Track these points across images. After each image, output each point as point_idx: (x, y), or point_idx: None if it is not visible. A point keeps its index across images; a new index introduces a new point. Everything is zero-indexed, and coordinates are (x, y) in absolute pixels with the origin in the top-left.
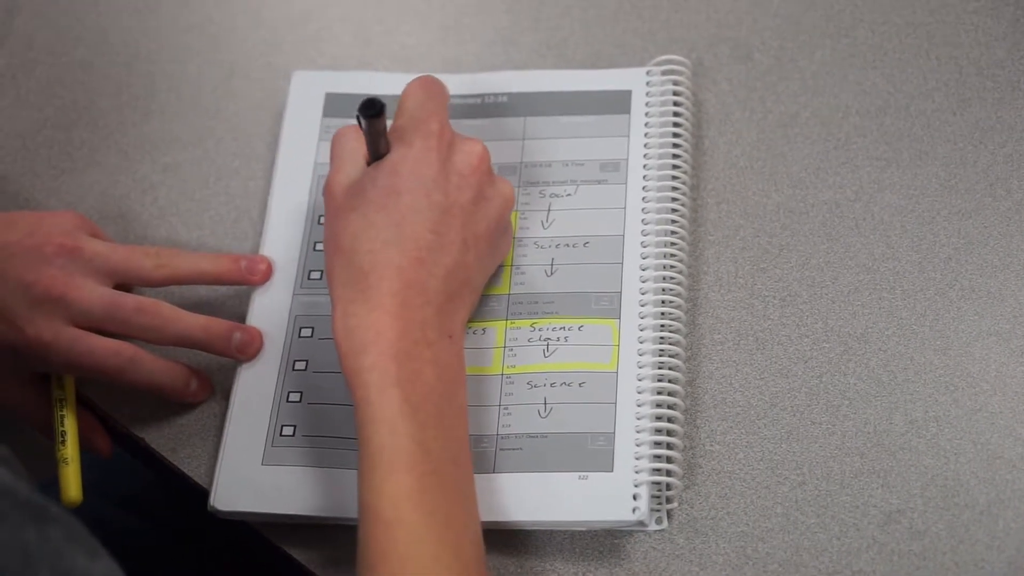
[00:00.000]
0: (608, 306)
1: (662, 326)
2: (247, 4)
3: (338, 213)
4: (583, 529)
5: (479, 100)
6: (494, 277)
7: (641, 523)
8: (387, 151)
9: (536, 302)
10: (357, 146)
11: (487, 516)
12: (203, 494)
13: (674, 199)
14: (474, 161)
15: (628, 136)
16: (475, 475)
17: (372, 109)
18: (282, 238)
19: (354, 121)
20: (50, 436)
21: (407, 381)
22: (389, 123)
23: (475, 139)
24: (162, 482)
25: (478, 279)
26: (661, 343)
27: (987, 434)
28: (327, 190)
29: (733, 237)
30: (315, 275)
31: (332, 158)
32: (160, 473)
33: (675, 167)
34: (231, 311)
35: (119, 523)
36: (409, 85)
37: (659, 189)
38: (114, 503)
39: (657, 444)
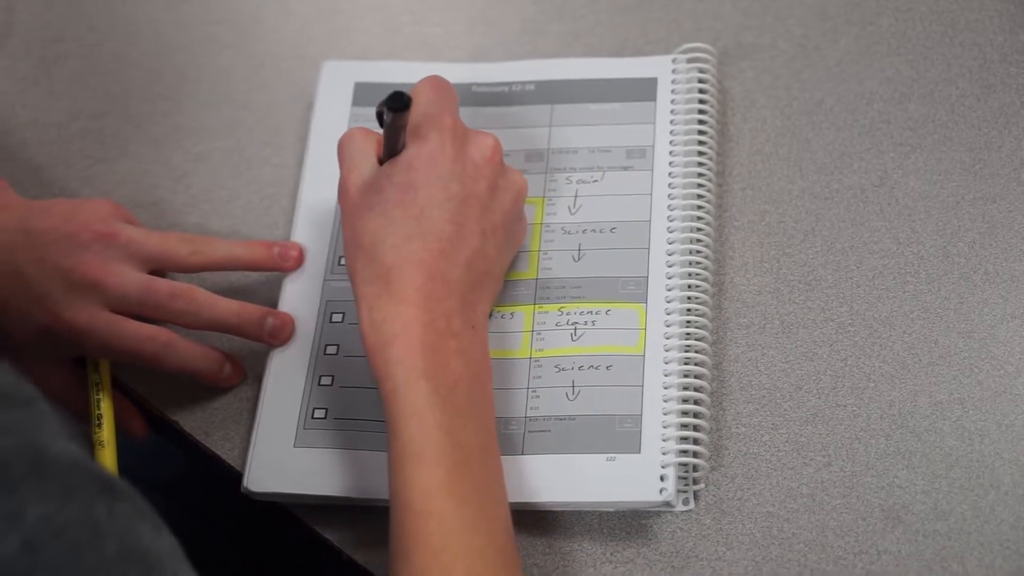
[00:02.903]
0: (635, 290)
1: (688, 310)
2: None
3: (356, 212)
4: (611, 510)
5: (506, 88)
6: (520, 262)
7: (668, 504)
8: (403, 148)
9: (564, 287)
10: (366, 146)
11: (516, 497)
12: (236, 477)
13: (700, 185)
14: (487, 152)
15: (654, 123)
16: (504, 457)
17: (399, 102)
18: (313, 225)
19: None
20: (86, 419)
21: (435, 373)
22: None
23: (487, 132)
24: (195, 467)
25: (497, 269)
26: (687, 326)
27: (1011, 415)
28: (342, 191)
29: (758, 222)
30: (345, 261)
31: (342, 160)
32: (194, 457)
33: (700, 153)
34: (262, 297)
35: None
36: (418, 85)
37: (685, 175)
38: (147, 488)
39: (684, 426)
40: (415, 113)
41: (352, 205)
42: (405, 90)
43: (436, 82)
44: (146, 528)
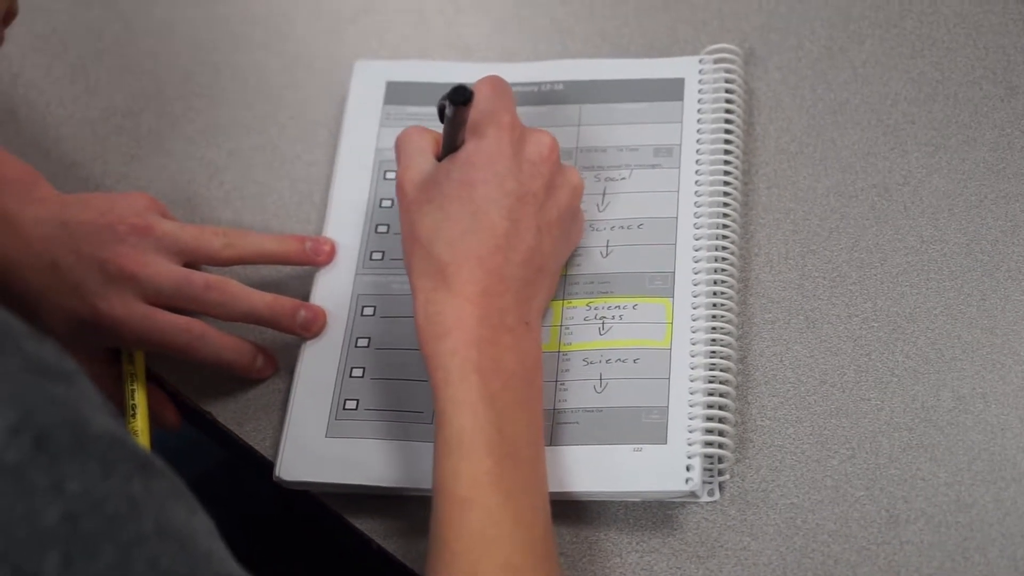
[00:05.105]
0: (662, 285)
1: (714, 305)
2: None
3: (413, 207)
4: (637, 500)
5: (536, 88)
6: None
7: (693, 494)
8: (462, 143)
9: (592, 282)
10: (423, 144)
11: None
12: (267, 467)
13: (726, 183)
14: (544, 151)
15: (681, 122)
16: None
17: (462, 96)
18: (344, 221)
19: (413, 121)
20: (120, 410)
21: (488, 368)
22: None
23: (544, 130)
24: (225, 462)
25: (552, 266)
26: (713, 321)
27: None
28: (399, 187)
29: (784, 220)
30: (376, 256)
31: (400, 157)
32: (225, 447)
33: (727, 152)
34: (295, 291)
35: None
36: (477, 84)
37: (711, 173)
38: None
39: (709, 418)
40: (474, 111)
41: (409, 200)
42: (441, 89)
43: (494, 81)
44: (181, 507)
